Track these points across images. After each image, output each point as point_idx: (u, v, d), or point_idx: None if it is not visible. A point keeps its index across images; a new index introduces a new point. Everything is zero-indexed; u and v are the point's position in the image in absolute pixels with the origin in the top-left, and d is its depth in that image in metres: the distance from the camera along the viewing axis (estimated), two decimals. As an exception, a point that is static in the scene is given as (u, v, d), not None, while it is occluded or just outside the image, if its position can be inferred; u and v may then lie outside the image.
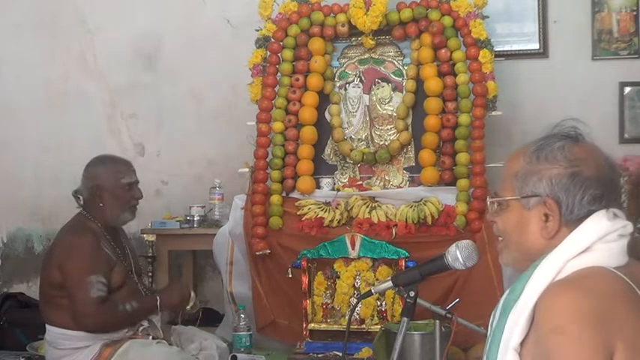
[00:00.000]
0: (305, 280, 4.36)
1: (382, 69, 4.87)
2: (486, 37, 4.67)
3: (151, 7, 5.48)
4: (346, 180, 4.82)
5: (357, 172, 4.84)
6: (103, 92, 5.56)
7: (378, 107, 4.86)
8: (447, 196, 4.57)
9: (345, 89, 4.89)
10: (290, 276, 4.43)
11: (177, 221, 4.98)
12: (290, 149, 4.79)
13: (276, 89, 4.84)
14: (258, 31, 4.89)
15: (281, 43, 4.85)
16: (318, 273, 4.41)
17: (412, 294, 2.43)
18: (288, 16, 4.85)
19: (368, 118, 4.87)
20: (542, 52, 5.13)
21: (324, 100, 4.84)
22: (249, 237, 4.63)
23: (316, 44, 4.81)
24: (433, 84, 4.66)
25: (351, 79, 4.89)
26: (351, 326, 4.26)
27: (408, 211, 4.51)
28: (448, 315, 2.72)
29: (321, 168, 4.84)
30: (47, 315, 3.68)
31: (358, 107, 4.87)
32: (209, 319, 4.81)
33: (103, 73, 5.55)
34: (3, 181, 5.56)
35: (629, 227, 1.73)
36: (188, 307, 3.93)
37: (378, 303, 4.32)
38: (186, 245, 5.11)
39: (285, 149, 4.79)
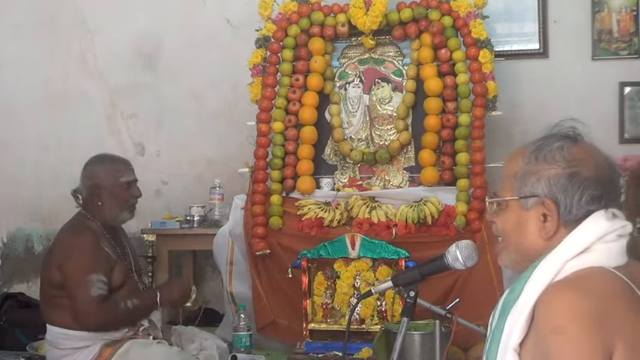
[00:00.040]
0: (305, 280, 4.36)
1: (382, 69, 4.87)
2: (486, 37, 4.67)
3: (151, 7, 5.48)
4: (346, 180, 4.82)
5: (357, 172, 4.84)
6: (103, 92, 5.56)
7: (378, 107, 4.86)
8: (447, 196, 4.57)
9: (345, 89, 4.89)
10: (290, 276, 4.43)
11: (177, 221, 4.98)
12: (290, 149, 4.79)
13: (276, 89, 4.84)
14: (258, 31, 4.89)
15: (281, 43, 4.85)
16: (318, 273, 4.41)
17: (412, 294, 2.44)
18: (288, 16, 4.85)
19: (368, 118, 4.87)
20: (542, 52, 5.13)
21: (324, 100, 4.84)
22: (249, 237, 4.63)
23: (316, 44, 4.81)
24: (433, 84, 4.66)
25: (351, 79, 4.89)
26: (351, 326, 4.26)
27: (408, 211, 4.51)
28: (448, 315, 2.73)
29: (321, 168, 4.84)
30: (48, 315, 3.68)
31: (358, 107, 4.87)
32: (209, 319, 4.81)
33: (103, 73, 5.55)
34: (3, 181, 5.56)
35: (628, 227, 1.73)
36: (189, 304, 3.92)
37: (378, 303, 4.32)
38: (186, 245, 5.11)
39: (285, 149, 4.79)
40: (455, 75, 4.67)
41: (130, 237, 4.24)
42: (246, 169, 4.82)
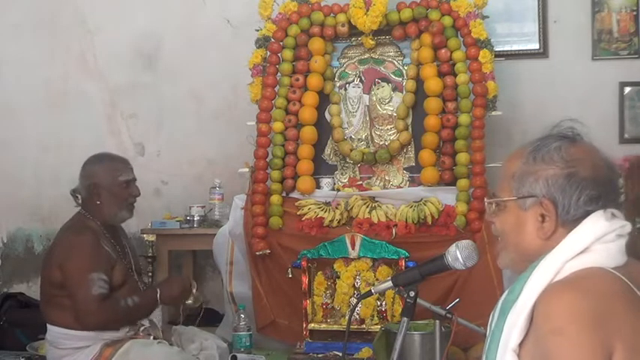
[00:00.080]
0: (305, 280, 4.36)
1: (382, 69, 4.87)
2: (486, 37, 4.67)
3: (151, 7, 5.48)
4: (346, 180, 4.82)
5: (357, 172, 4.84)
6: (103, 92, 5.56)
7: (378, 107, 4.86)
8: (447, 196, 4.57)
9: (345, 89, 4.89)
10: (290, 276, 4.43)
11: (177, 221, 4.98)
12: (290, 149, 4.79)
13: (276, 89, 4.84)
14: (258, 31, 4.89)
15: (281, 43, 4.85)
16: (318, 273, 4.41)
17: (412, 294, 2.43)
18: (288, 16, 4.85)
19: (368, 118, 4.87)
20: (542, 52, 5.13)
21: (324, 100, 4.84)
22: (249, 237, 4.63)
23: (316, 44, 4.81)
24: (433, 84, 4.66)
25: (351, 79, 4.89)
26: (351, 326, 4.26)
27: (408, 211, 4.52)
28: (448, 315, 2.73)
29: (321, 168, 4.84)
30: (48, 315, 3.68)
31: (358, 107, 4.87)
32: (209, 319, 4.81)
33: (103, 73, 5.55)
34: (3, 181, 5.56)
35: (628, 227, 1.73)
36: (190, 301, 3.91)
37: (378, 303, 4.32)
38: (186, 245, 5.11)
39: (285, 149, 4.80)
40: (455, 75, 4.67)
41: (130, 237, 4.24)
42: (246, 169, 4.82)
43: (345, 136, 4.83)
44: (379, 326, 4.17)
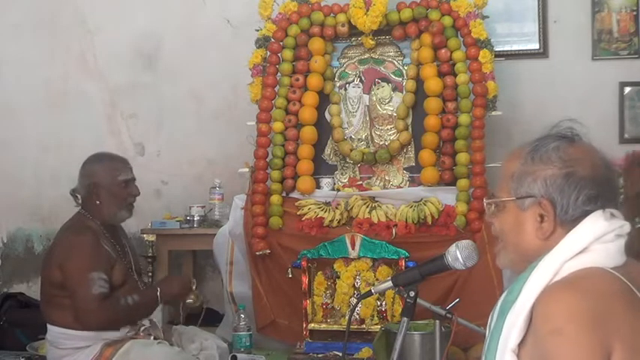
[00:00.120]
0: (305, 280, 4.37)
1: (382, 69, 4.87)
2: (486, 37, 4.67)
3: (151, 7, 5.48)
4: (346, 180, 4.82)
5: (357, 172, 4.84)
6: (103, 92, 5.56)
7: (378, 107, 4.86)
8: (447, 196, 4.57)
9: (345, 89, 4.89)
10: (290, 276, 4.43)
11: (177, 221, 4.98)
12: (290, 149, 4.79)
13: (276, 89, 4.84)
14: (258, 31, 4.89)
15: (281, 43, 4.85)
16: (318, 273, 4.41)
17: (412, 294, 2.43)
18: (288, 16, 4.85)
19: (368, 118, 4.87)
20: (542, 52, 5.13)
21: (324, 100, 4.84)
22: (249, 237, 4.63)
23: (316, 44, 4.81)
24: (433, 84, 4.66)
25: (351, 79, 4.89)
26: (351, 326, 4.26)
27: (408, 211, 4.52)
28: (448, 315, 2.73)
29: (321, 168, 4.84)
30: (48, 315, 3.68)
31: (358, 107, 4.87)
32: (209, 319, 4.81)
33: (103, 73, 5.55)
34: (3, 181, 5.56)
35: (627, 227, 1.73)
36: (190, 300, 3.91)
37: (378, 303, 4.32)
38: (186, 245, 5.11)
39: (285, 149, 4.80)
40: (455, 75, 4.67)
41: (130, 237, 4.24)
42: (246, 169, 4.82)
43: (345, 136, 4.83)
44: (379, 326, 4.17)
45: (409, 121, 4.79)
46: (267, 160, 4.79)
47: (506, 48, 5.08)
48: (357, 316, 4.33)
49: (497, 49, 4.77)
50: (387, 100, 4.85)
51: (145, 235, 4.86)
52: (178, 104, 5.46)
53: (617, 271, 1.67)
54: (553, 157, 1.73)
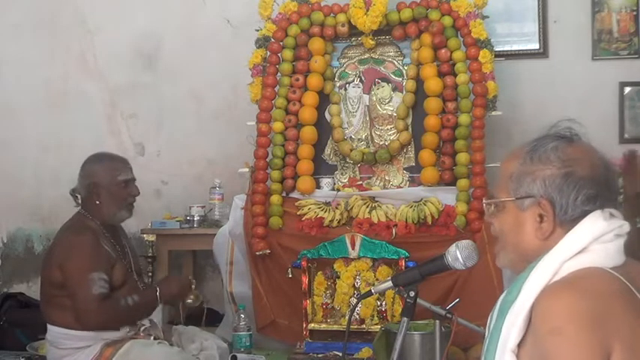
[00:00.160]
0: (305, 280, 4.37)
1: (382, 69, 4.87)
2: (486, 37, 4.67)
3: (151, 7, 5.48)
4: (346, 180, 4.82)
5: (357, 172, 4.84)
6: (103, 92, 5.56)
7: (378, 107, 4.86)
8: (447, 196, 4.57)
9: (345, 89, 4.89)
10: (290, 276, 4.43)
11: (177, 221, 4.98)
12: (290, 149, 4.79)
13: (276, 89, 4.84)
14: (258, 31, 4.89)
15: (281, 43, 4.85)
16: (318, 273, 4.41)
17: (412, 294, 2.43)
18: (288, 16, 4.85)
19: (368, 118, 4.87)
20: (542, 52, 5.13)
21: (324, 100, 4.84)
22: (249, 237, 4.63)
23: (316, 44, 4.81)
24: (433, 84, 4.66)
25: (351, 79, 4.89)
26: (351, 326, 4.26)
27: (408, 211, 4.52)
28: (448, 315, 2.73)
29: (321, 168, 4.84)
30: (48, 315, 3.68)
31: (358, 107, 4.87)
32: (209, 319, 4.82)
33: (103, 73, 5.55)
34: (3, 181, 5.56)
35: (626, 227, 1.73)
36: (190, 300, 3.91)
37: (378, 303, 4.32)
38: (186, 245, 5.11)
39: (285, 149, 4.80)
40: (455, 75, 4.67)
41: (130, 237, 4.24)
42: (246, 169, 4.82)
43: (345, 136, 4.83)
44: (379, 326, 4.17)
45: (409, 121, 4.79)
46: (267, 160, 4.79)
47: (506, 48, 5.08)
48: (357, 316, 4.33)
49: (497, 49, 4.77)
50: (387, 100, 4.85)
51: (145, 235, 4.86)
52: (178, 104, 5.46)
53: (617, 271, 1.67)
54: (552, 157, 1.73)
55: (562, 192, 1.71)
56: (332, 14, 4.82)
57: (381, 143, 4.83)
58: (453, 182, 4.60)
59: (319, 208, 4.64)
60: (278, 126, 4.79)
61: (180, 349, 3.76)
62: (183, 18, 5.47)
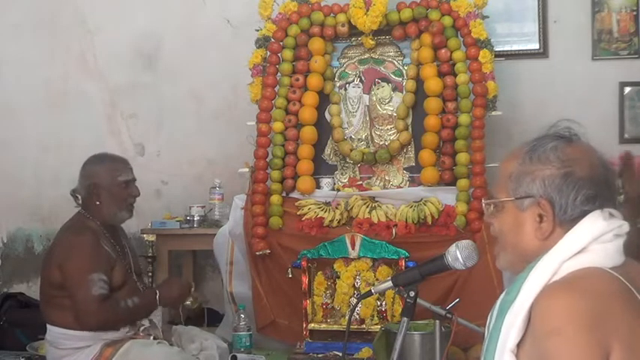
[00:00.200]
0: (305, 280, 4.36)
1: (382, 69, 4.87)
2: (486, 37, 4.67)
3: (151, 7, 5.48)
4: (346, 180, 4.82)
5: (357, 172, 4.84)
6: (103, 92, 5.56)
7: (378, 107, 4.86)
8: (447, 196, 4.57)
9: (345, 89, 4.89)
10: (290, 276, 4.43)
11: (177, 221, 4.98)
12: (290, 149, 4.79)
13: (276, 89, 4.84)
14: (258, 31, 4.89)
15: (281, 43, 4.85)
16: (318, 273, 4.41)
17: (412, 294, 2.43)
18: (288, 16, 4.85)
19: (368, 118, 4.87)
20: (542, 52, 5.13)
21: (324, 100, 4.84)
22: (249, 237, 4.63)
23: (316, 44, 4.81)
24: (433, 84, 4.66)
25: (351, 79, 4.89)
26: (351, 326, 4.26)
27: (408, 211, 4.51)
28: (448, 315, 2.73)
29: (321, 168, 4.84)
30: (48, 315, 3.68)
31: (358, 107, 4.87)
32: (209, 319, 4.82)
33: (103, 73, 5.55)
34: (3, 181, 5.56)
35: (625, 227, 1.73)
36: (188, 302, 3.92)
37: (378, 303, 4.32)
38: (186, 245, 5.11)
39: (285, 149, 4.80)
40: (455, 75, 4.67)
41: (130, 237, 4.24)
42: (246, 169, 4.82)
43: (345, 136, 4.83)
44: (379, 326, 4.17)
45: (409, 121, 4.79)
46: (267, 160, 4.79)
47: (506, 48, 5.08)
48: (357, 316, 4.33)
49: (497, 49, 4.77)
50: (387, 100, 4.85)
51: (145, 235, 4.86)
52: (178, 104, 5.46)
53: (616, 271, 1.67)
54: (551, 157, 1.74)
55: (561, 192, 1.71)
56: (332, 14, 4.82)
57: (381, 143, 4.83)
58: (453, 182, 4.60)
59: (319, 208, 4.64)
60: (278, 126, 4.78)
61: (180, 349, 3.76)
62: (183, 18, 5.47)
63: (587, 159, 1.74)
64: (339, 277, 4.37)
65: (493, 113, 4.68)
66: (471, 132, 4.61)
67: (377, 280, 4.30)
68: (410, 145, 4.78)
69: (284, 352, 4.49)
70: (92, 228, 3.69)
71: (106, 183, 3.73)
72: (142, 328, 3.71)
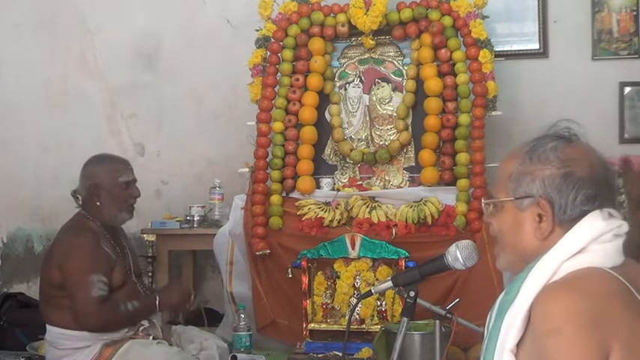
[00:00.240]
0: (305, 280, 4.36)
1: (382, 69, 4.87)
2: (486, 37, 4.67)
3: (151, 7, 5.48)
4: (346, 180, 4.82)
5: (357, 172, 4.84)
6: (103, 92, 5.56)
7: (378, 107, 4.86)
8: (447, 196, 4.57)
9: (345, 89, 4.89)
10: (290, 276, 4.43)
11: (177, 221, 4.98)
12: (290, 149, 4.79)
13: (276, 89, 4.84)
14: (258, 31, 4.89)
15: (281, 43, 4.85)
16: (318, 273, 4.41)
17: (412, 294, 2.43)
18: (288, 16, 4.85)
19: (368, 118, 4.87)
20: (542, 52, 5.13)
21: (324, 100, 4.84)
22: (249, 237, 4.63)
23: (316, 44, 4.81)
24: (433, 84, 4.66)
25: (351, 79, 4.89)
26: (351, 326, 4.26)
27: (408, 211, 4.51)
28: (448, 315, 2.73)
29: (321, 168, 4.84)
30: (47, 315, 3.68)
31: (358, 107, 4.87)
32: (209, 319, 4.81)
33: (103, 73, 5.55)
34: (3, 181, 5.56)
35: (625, 227, 1.73)
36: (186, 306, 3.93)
37: (378, 303, 4.32)
38: (186, 245, 5.11)
39: (285, 149, 4.79)
40: (455, 75, 4.67)
41: (130, 237, 4.24)
42: (246, 169, 4.82)
43: (345, 136, 4.83)
44: (379, 326, 4.17)
45: (409, 121, 4.79)
46: (267, 160, 4.79)
47: (506, 48, 5.08)
48: (357, 316, 4.33)
49: (497, 49, 4.77)
50: (387, 100, 4.85)
51: (145, 235, 4.87)
52: (178, 104, 5.46)
53: (616, 271, 1.67)
54: (551, 157, 1.74)
55: (561, 192, 1.72)
56: (332, 14, 4.82)
57: (381, 143, 4.83)
58: (453, 182, 4.60)
59: (319, 208, 4.64)
60: (278, 126, 4.78)
61: (180, 349, 3.76)
62: (183, 18, 5.47)
63: (587, 159, 1.74)
64: (339, 277, 4.37)
65: (493, 113, 4.68)
66: (471, 132, 4.61)
67: (377, 280, 4.30)
68: (410, 145, 4.78)
69: (284, 352, 4.49)
70: (92, 229, 3.69)
71: (107, 184, 3.73)
72: (141, 328, 3.72)
